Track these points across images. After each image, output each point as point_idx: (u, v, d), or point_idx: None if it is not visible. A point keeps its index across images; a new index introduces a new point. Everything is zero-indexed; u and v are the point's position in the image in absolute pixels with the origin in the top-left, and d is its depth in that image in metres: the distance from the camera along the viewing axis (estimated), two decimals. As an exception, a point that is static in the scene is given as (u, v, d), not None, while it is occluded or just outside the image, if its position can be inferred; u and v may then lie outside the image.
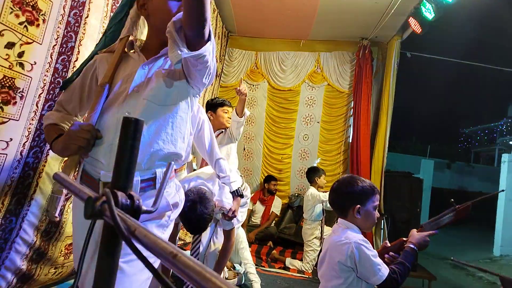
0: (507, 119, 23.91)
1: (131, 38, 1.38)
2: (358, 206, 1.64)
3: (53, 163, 2.04)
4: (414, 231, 1.74)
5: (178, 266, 0.41)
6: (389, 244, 1.79)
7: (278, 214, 5.32)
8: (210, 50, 1.15)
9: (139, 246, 0.47)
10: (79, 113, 1.42)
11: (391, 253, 1.72)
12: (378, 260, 1.55)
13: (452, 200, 1.74)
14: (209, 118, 3.09)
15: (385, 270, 1.53)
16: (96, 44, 1.58)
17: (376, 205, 1.68)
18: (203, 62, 1.17)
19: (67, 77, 1.52)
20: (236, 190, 2.35)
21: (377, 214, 1.70)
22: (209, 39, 1.13)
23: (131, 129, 0.60)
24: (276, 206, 5.31)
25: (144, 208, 0.61)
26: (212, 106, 3.10)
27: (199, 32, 1.09)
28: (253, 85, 6.13)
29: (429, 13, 4.05)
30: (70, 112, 1.39)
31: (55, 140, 1.25)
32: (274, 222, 5.28)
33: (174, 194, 1.34)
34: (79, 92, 1.38)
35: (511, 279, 1.25)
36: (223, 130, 3.09)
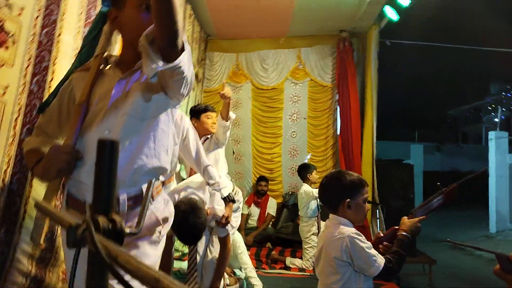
0: (491, 97, 24.24)
1: (105, 54, 1.36)
2: (348, 200, 1.64)
3: (39, 188, 1.98)
4: (405, 218, 1.75)
5: (161, 291, 0.40)
6: (382, 234, 1.79)
7: (274, 215, 5.32)
8: (185, 60, 1.14)
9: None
10: (59, 135, 1.39)
11: (384, 243, 1.72)
12: (373, 251, 1.56)
13: (438, 183, 1.75)
14: (194, 125, 3.06)
15: (381, 261, 1.53)
16: (72, 63, 1.55)
17: (366, 197, 1.69)
18: (180, 73, 1.15)
19: (44, 100, 1.49)
20: (228, 195, 2.33)
21: (367, 206, 1.70)
22: (183, 49, 1.11)
23: (106, 152, 0.59)
24: (271, 207, 5.30)
25: (127, 230, 0.59)
26: (195, 113, 3.07)
27: (172, 43, 1.07)
28: (236, 87, 6.10)
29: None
30: (50, 134, 1.36)
31: (35, 165, 1.22)
32: (271, 223, 5.28)
33: (163, 208, 1.32)
34: (57, 113, 1.35)
35: (506, 255, 1.26)
36: (209, 136, 3.05)
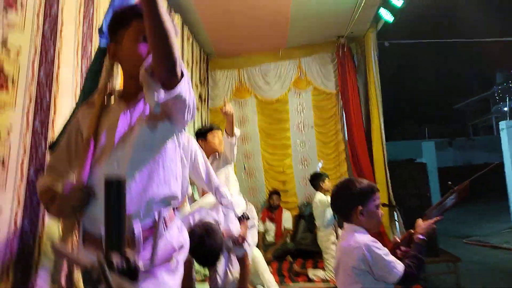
0: (497, 86, 24.00)
1: (108, 88, 1.37)
2: (360, 207, 1.62)
3: (52, 226, 1.99)
4: (419, 220, 1.73)
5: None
6: (398, 240, 1.77)
7: (291, 228, 5.27)
8: (185, 87, 1.15)
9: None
10: (70, 171, 1.40)
11: (402, 248, 1.70)
12: (391, 257, 1.54)
13: (450, 182, 1.74)
14: (201, 146, 3.08)
15: (400, 267, 1.52)
16: (78, 100, 1.57)
17: (378, 203, 1.67)
18: (181, 100, 1.16)
19: (54, 139, 1.51)
20: (242, 214, 2.32)
21: (382, 212, 1.68)
22: (182, 76, 1.13)
23: (113, 191, 0.59)
24: (287, 220, 5.25)
25: (142, 268, 0.59)
26: (201, 134, 3.09)
27: (172, 72, 1.08)
28: (241, 102, 6.14)
29: (397, 0, 4.10)
30: (62, 172, 1.37)
31: (50, 205, 1.23)
32: (288, 236, 5.22)
33: (178, 235, 1.31)
34: (67, 151, 1.36)
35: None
36: (217, 154, 3.07)
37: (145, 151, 1.22)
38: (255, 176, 5.99)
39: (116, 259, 0.59)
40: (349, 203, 1.67)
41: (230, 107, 2.96)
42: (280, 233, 5.17)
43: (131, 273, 0.59)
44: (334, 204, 1.79)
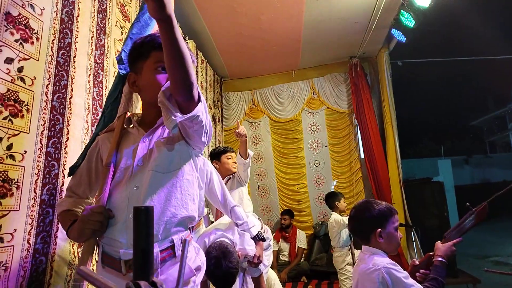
0: (512, 103, 23.67)
1: (128, 114, 1.42)
2: (379, 230, 1.62)
3: (64, 245, 2.04)
4: (438, 243, 1.71)
5: None
6: (417, 262, 1.75)
7: (305, 248, 5.22)
8: (202, 109, 1.19)
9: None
10: (90, 195, 1.45)
11: (421, 270, 1.68)
12: (411, 280, 1.52)
13: (468, 204, 1.72)
14: (215, 167, 3.12)
15: None
16: (96, 126, 1.63)
17: (397, 225, 1.66)
18: (198, 122, 1.20)
19: (74, 163, 1.56)
20: (257, 234, 2.32)
21: (400, 233, 1.67)
22: (199, 99, 1.17)
23: (142, 218, 0.62)
24: (301, 240, 5.21)
25: (165, 291, 0.61)
26: (216, 156, 3.16)
27: (188, 96, 1.13)
28: (254, 123, 6.22)
29: (409, 21, 4.13)
30: (81, 195, 1.42)
31: (70, 227, 1.27)
32: (303, 256, 5.17)
33: (195, 258, 1.33)
34: (87, 175, 1.41)
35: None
36: (231, 175, 3.11)
37: (163, 175, 1.25)
38: (269, 195, 5.99)
39: (144, 285, 0.61)
40: (368, 225, 1.66)
41: (243, 129, 3.01)
42: (294, 252, 5.12)
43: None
44: (352, 226, 1.77)
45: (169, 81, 1.15)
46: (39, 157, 1.93)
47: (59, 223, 1.96)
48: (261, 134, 6.18)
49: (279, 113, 6.10)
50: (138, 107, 1.54)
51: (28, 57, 1.89)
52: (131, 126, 1.39)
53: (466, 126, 27.05)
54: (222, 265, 1.95)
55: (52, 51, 2.08)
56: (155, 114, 1.31)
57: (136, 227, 0.61)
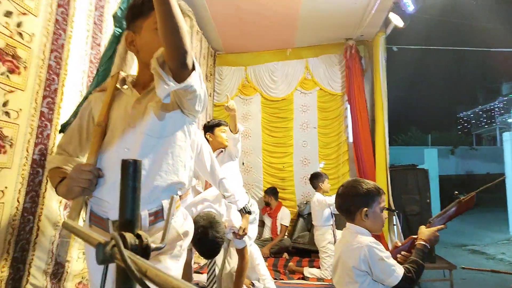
0: (502, 98, 23.96)
1: (122, 74, 1.39)
2: (365, 209, 1.64)
3: (50, 205, 2.05)
4: (423, 227, 1.74)
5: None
6: (400, 244, 1.78)
7: (287, 225, 5.30)
8: (197, 79, 1.16)
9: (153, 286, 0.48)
10: (80, 153, 1.43)
11: (403, 252, 1.71)
12: (392, 260, 1.55)
13: (456, 192, 1.75)
14: (208, 140, 3.13)
15: (400, 270, 1.52)
16: (90, 84, 1.60)
17: (383, 206, 1.68)
18: (192, 91, 1.18)
19: (65, 121, 1.55)
20: (243, 207, 2.35)
21: (385, 215, 1.70)
22: (193, 68, 1.15)
23: (130, 171, 0.61)
24: (284, 218, 5.27)
25: (153, 245, 0.61)
26: (210, 128, 3.17)
27: (182, 64, 1.10)
28: (246, 100, 6.17)
29: (408, 6, 4.10)
30: (71, 153, 1.40)
31: (59, 184, 1.26)
32: (287, 234, 5.25)
33: (183, 223, 1.34)
34: (78, 133, 1.39)
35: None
36: (223, 149, 3.12)
37: (155, 139, 1.24)
38: (252, 173, 6.01)
39: (129, 237, 0.61)
40: (355, 203, 1.68)
41: (232, 103, 3.00)
42: (275, 228, 5.21)
43: (143, 251, 0.61)
44: (339, 204, 1.78)
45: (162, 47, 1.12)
46: (33, 116, 1.92)
47: (48, 183, 1.96)
48: (252, 112, 6.15)
49: (272, 91, 6.06)
50: (132, 68, 1.51)
51: (27, 12, 1.85)
52: (125, 86, 1.36)
53: (454, 117, 27.37)
54: (209, 235, 1.97)
55: (51, 8, 2.03)
56: (151, 76, 1.23)
57: (123, 180, 0.61)
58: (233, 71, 6.22)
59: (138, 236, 0.61)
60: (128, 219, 0.63)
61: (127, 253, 0.56)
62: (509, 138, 9.00)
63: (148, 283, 0.48)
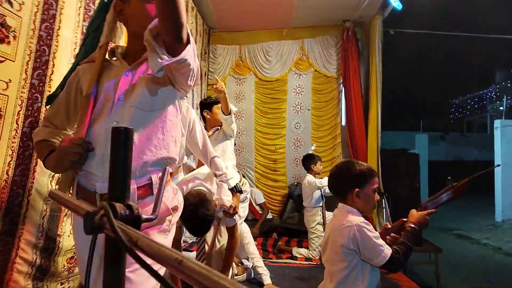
0: (496, 85, 24.07)
1: (111, 45, 1.35)
2: (357, 189, 1.64)
3: (41, 179, 2.02)
4: (413, 211, 1.75)
5: (184, 272, 0.40)
6: (389, 226, 1.80)
7: (264, 201, 5.32)
8: (190, 53, 1.14)
9: (143, 255, 0.47)
10: (67, 126, 1.40)
11: (392, 234, 1.73)
12: (380, 241, 1.56)
13: (449, 177, 1.76)
14: (206, 117, 3.09)
15: (387, 251, 1.54)
16: (77, 55, 1.55)
17: (375, 187, 1.69)
18: (186, 65, 1.15)
19: (52, 92, 1.50)
20: (234, 186, 2.35)
21: (377, 196, 1.70)
22: (188, 42, 1.11)
23: (121, 139, 0.59)
24: (257, 198, 5.26)
25: (144, 216, 0.60)
26: (207, 105, 3.15)
27: (177, 37, 1.07)
28: (239, 79, 6.11)
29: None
30: (59, 126, 1.37)
31: (47, 157, 1.23)
32: (276, 214, 5.28)
33: (172, 198, 1.33)
34: (65, 105, 1.35)
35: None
36: (219, 127, 3.09)
37: (146, 113, 1.22)
38: (244, 154, 6.00)
39: (119, 207, 0.59)
40: (348, 184, 1.68)
41: (221, 85, 2.92)
42: (254, 209, 5.20)
43: (134, 221, 0.59)
44: (332, 183, 1.78)
45: (157, 19, 1.08)
46: (23, 87, 1.87)
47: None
48: (245, 92, 6.09)
49: (266, 71, 5.99)
50: (122, 38, 1.47)
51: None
52: (114, 58, 1.32)
53: (446, 103, 27.49)
54: (199, 212, 1.96)
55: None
56: (141, 47, 1.21)
57: (114, 148, 0.58)
58: (228, 49, 6.13)
59: (129, 207, 0.60)
60: (118, 188, 0.61)
61: (117, 223, 0.55)
62: (499, 126, 9.09)
63: (139, 253, 0.47)
